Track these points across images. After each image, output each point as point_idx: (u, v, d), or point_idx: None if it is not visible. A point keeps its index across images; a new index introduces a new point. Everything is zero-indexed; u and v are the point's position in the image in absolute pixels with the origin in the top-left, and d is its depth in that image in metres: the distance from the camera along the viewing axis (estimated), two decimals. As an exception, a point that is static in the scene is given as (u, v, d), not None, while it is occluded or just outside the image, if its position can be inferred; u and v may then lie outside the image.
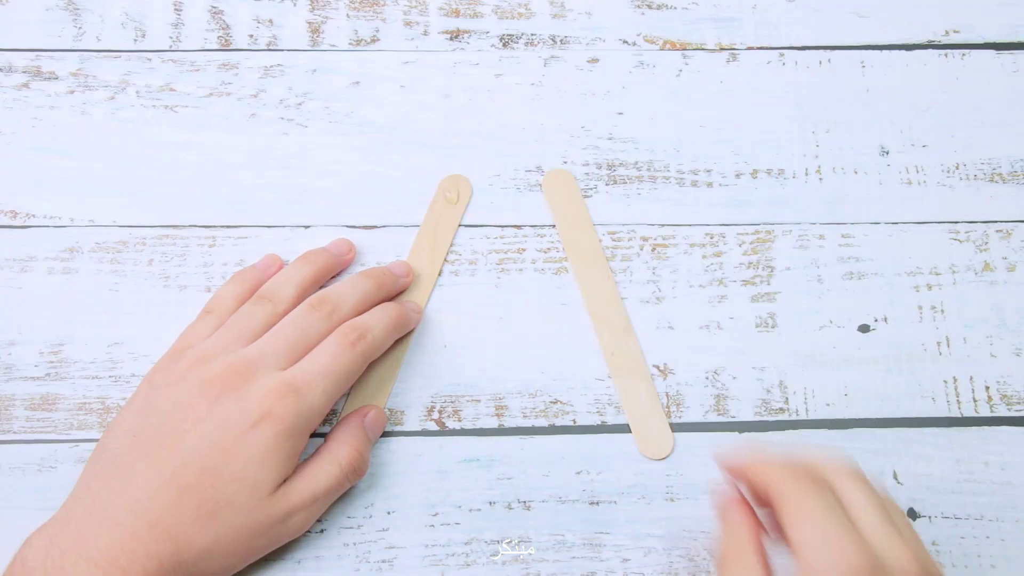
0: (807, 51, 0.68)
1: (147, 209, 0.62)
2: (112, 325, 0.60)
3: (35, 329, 0.60)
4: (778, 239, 0.64)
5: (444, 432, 0.59)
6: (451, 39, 0.67)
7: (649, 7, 0.69)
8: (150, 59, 0.65)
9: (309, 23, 0.67)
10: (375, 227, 0.63)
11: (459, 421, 0.59)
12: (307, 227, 0.62)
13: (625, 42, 0.68)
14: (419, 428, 0.59)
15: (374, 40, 0.67)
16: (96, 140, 0.64)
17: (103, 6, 0.66)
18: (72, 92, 0.64)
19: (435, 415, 0.59)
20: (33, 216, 0.62)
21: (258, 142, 0.64)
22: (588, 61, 0.67)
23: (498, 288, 0.62)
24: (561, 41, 0.68)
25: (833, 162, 0.66)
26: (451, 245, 0.62)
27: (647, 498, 0.58)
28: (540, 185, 0.63)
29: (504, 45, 0.67)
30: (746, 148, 0.66)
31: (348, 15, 0.67)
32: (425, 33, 0.67)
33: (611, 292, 0.61)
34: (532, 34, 0.68)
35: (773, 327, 0.63)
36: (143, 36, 0.66)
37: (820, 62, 0.68)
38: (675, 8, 0.69)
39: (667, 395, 0.61)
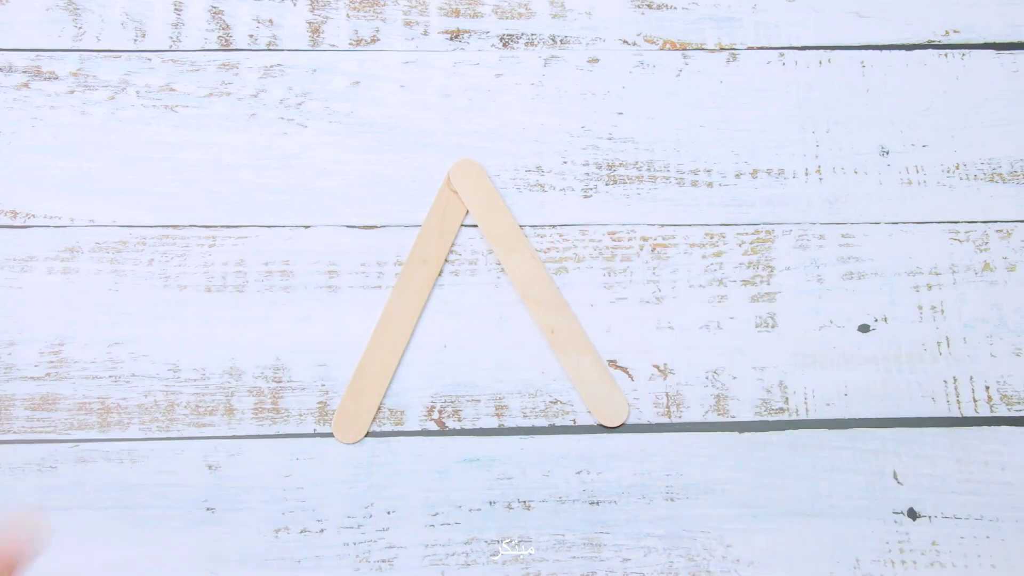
0: (807, 51, 0.69)
1: (147, 209, 0.63)
2: (112, 325, 0.60)
3: (35, 329, 0.60)
4: (778, 239, 0.64)
5: (444, 432, 0.59)
6: (451, 39, 0.67)
7: (649, 7, 0.69)
8: (150, 59, 0.66)
9: (309, 23, 0.67)
10: (375, 227, 0.63)
11: (459, 421, 0.60)
12: (307, 227, 0.63)
13: (625, 42, 0.68)
14: (419, 428, 0.59)
15: (374, 40, 0.67)
16: (96, 140, 0.64)
17: (103, 6, 0.67)
18: (72, 92, 0.65)
19: (435, 415, 0.60)
20: (33, 216, 0.62)
21: (258, 142, 0.64)
22: (588, 61, 0.67)
23: (498, 288, 0.62)
24: (561, 41, 0.68)
25: (833, 162, 0.66)
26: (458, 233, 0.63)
27: (647, 498, 0.59)
28: (448, 178, 0.63)
29: (504, 45, 0.68)
30: (746, 148, 0.66)
31: (348, 15, 0.67)
32: (425, 33, 0.67)
33: (539, 272, 0.61)
34: (532, 34, 0.68)
35: (773, 327, 0.63)
36: (143, 36, 0.66)
37: (820, 62, 0.68)
38: (675, 8, 0.69)
39: (667, 395, 0.61)
